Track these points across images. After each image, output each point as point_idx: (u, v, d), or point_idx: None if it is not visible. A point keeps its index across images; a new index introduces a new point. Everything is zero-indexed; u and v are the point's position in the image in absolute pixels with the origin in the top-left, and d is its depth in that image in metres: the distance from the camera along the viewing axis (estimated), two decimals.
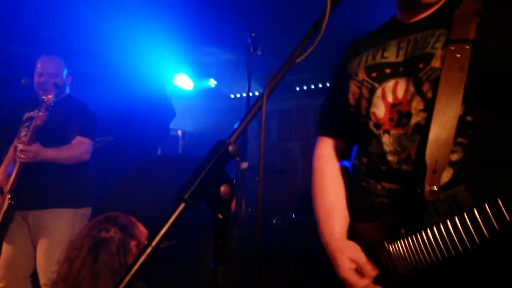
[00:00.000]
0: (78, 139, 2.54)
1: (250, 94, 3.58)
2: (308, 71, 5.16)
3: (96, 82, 4.15)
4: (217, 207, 0.69)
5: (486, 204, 0.80)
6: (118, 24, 3.65)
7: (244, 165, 2.14)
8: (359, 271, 1.03)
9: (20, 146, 2.33)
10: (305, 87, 5.45)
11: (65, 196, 2.49)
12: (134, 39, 3.93)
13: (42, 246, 2.41)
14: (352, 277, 1.02)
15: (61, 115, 2.56)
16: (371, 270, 1.01)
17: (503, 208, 0.78)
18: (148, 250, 0.58)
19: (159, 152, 4.72)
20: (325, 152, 1.27)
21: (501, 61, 0.89)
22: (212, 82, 5.53)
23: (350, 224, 1.15)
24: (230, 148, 0.69)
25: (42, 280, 2.37)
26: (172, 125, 5.10)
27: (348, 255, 1.05)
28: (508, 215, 0.77)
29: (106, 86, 4.11)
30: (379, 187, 1.03)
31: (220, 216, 0.69)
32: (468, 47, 0.90)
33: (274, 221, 3.96)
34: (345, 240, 1.11)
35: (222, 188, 0.69)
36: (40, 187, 2.45)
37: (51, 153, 2.39)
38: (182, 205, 0.63)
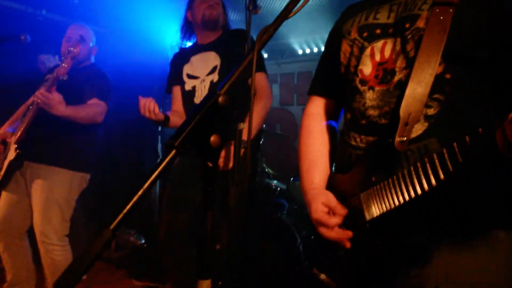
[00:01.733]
0: (95, 100, 2.55)
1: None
2: (311, 34, 5.07)
3: (99, 41, 4.14)
4: (207, 155, 0.72)
5: (455, 144, 0.81)
6: None
7: (242, 125, 2.16)
8: (330, 212, 1.12)
9: (40, 90, 2.25)
10: (307, 50, 5.36)
11: (67, 156, 2.51)
12: (137, 3, 3.87)
13: (37, 203, 2.44)
14: (324, 217, 1.11)
15: (81, 79, 2.57)
16: (341, 209, 1.10)
17: (469, 143, 0.78)
18: (140, 192, 0.61)
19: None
20: (314, 111, 1.35)
21: (479, 27, 0.94)
22: None
23: (330, 175, 1.23)
24: (220, 99, 0.71)
25: (39, 237, 2.43)
26: None
27: (321, 201, 1.14)
28: (471, 148, 0.78)
29: (109, 46, 4.08)
30: (358, 139, 1.09)
31: (210, 164, 0.72)
32: (451, 10, 0.95)
33: (273, 185, 4.03)
34: (321, 189, 1.20)
35: (212, 138, 0.72)
36: (45, 142, 2.47)
37: (70, 111, 2.34)
38: (173, 152, 0.66)
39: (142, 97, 2.03)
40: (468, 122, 0.96)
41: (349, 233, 1.07)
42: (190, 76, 2.36)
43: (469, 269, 0.93)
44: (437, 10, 0.97)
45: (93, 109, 2.52)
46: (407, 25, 1.02)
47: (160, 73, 4.43)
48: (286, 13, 0.83)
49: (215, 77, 2.27)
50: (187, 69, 2.39)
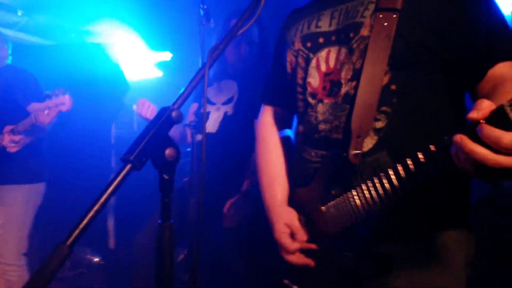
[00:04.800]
0: (36, 105, 2.41)
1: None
2: None
3: (43, 54, 3.98)
4: (163, 168, 0.75)
5: (398, 164, 0.85)
6: None
7: (199, 137, 2.17)
8: (292, 235, 1.12)
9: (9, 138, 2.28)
10: None
11: (19, 172, 2.44)
12: (81, 7, 3.78)
13: None
14: (285, 240, 1.11)
15: (3, 84, 2.45)
16: (303, 235, 1.10)
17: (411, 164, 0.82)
18: (96, 207, 0.63)
19: (113, 127, 4.62)
20: (268, 121, 1.35)
21: (424, 29, 0.92)
22: (168, 55, 5.41)
23: (290, 190, 1.22)
24: (173, 113, 0.75)
25: None
26: (128, 100, 4.97)
27: (284, 221, 1.14)
28: (413, 165, 0.82)
29: (54, 59, 3.95)
30: (313, 153, 1.09)
31: (166, 177, 0.75)
32: (395, 16, 0.93)
33: None
34: (284, 206, 1.19)
35: (167, 151, 0.74)
36: None
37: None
38: (128, 166, 0.68)
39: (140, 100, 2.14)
40: (417, 133, 0.96)
41: (312, 246, 1.07)
42: (209, 101, 2.28)
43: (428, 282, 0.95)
44: (381, 16, 0.94)
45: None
46: (351, 35, 1.00)
47: (109, 84, 4.35)
48: (234, 32, 0.88)
49: (230, 109, 2.18)
50: (208, 92, 2.30)
